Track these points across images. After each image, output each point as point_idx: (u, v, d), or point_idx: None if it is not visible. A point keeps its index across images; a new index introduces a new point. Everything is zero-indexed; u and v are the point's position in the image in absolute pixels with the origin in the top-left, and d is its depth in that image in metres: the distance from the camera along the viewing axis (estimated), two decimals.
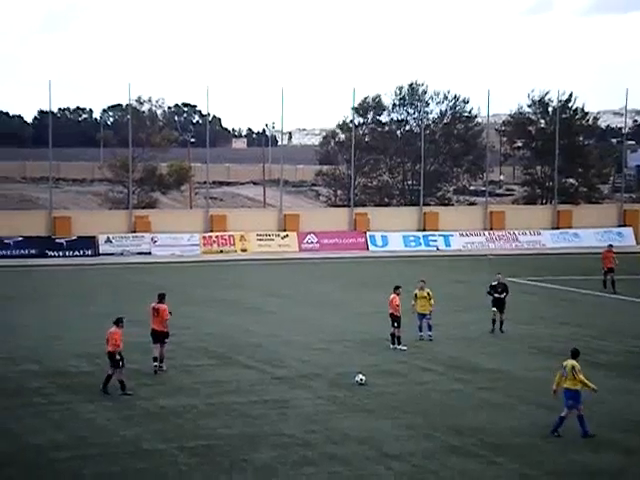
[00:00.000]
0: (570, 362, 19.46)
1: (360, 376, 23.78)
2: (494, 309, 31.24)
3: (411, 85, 70.94)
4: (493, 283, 31.67)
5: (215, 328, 31.52)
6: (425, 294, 29.42)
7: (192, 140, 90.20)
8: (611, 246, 43.48)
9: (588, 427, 19.25)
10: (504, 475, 17.20)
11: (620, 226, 63.50)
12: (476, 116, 71.34)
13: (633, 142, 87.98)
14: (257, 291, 40.64)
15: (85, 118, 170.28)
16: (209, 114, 75.58)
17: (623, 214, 64.45)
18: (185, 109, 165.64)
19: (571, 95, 70.43)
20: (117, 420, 20.53)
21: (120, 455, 18.14)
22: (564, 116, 69.06)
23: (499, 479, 16.97)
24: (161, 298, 25.51)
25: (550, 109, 69.43)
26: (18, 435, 19.49)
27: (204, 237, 56.55)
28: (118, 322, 23.07)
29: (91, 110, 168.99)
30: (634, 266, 47.47)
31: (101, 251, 54.21)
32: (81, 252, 53.85)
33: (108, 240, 54.68)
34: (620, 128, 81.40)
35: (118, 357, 22.60)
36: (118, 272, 47.95)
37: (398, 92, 70.98)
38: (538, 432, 19.81)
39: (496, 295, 31.20)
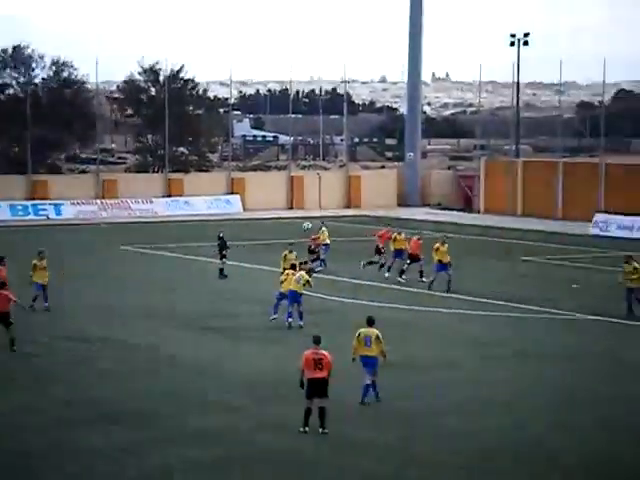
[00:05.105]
0: (373, 330, 19.42)
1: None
2: None
3: (15, 48, 67.70)
4: None
5: None
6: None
7: None
8: None
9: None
10: None
11: (228, 194, 65.59)
12: (84, 82, 69.84)
13: (239, 112, 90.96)
14: None
15: None
16: None
17: (231, 182, 66.56)
18: None
19: (183, 67, 71.54)
20: None
21: None
22: (175, 86, 69.81)
23: None
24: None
25: (161, 78, 69.80)
26: None
27: None
28: None
29: None
30: (238, 232, 48.19)
31: None
32: None
33: None
34: (227, 98, 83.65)
35: None
36: None
37: (2, 54, 67.66)
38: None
39: None
